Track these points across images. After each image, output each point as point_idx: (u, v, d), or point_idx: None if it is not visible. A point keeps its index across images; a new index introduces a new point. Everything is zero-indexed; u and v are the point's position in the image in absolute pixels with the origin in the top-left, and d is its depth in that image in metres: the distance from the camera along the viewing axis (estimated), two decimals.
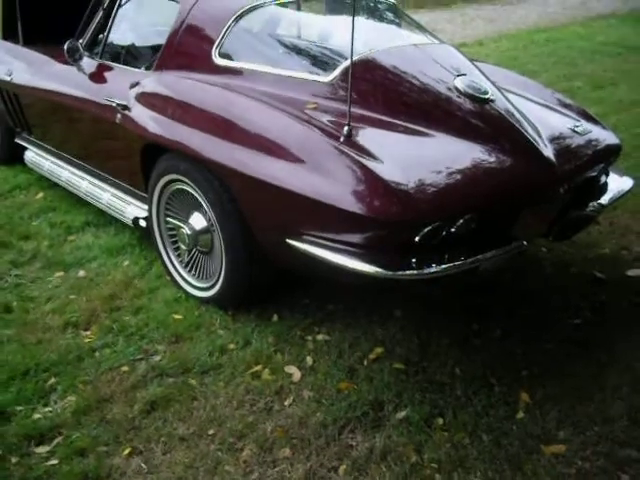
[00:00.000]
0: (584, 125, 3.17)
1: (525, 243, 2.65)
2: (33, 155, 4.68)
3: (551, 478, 2.21)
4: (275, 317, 3.09)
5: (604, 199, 3.08)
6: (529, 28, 12.60)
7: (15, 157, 5.03)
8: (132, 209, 3.65)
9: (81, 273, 3.58)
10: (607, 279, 3.41)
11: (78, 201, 4.34)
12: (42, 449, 2.36)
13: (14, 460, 2.30)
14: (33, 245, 3.90)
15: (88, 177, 4.08)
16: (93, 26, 4.03)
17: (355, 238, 2.46)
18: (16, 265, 3.70)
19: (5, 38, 5.29)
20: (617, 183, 3.24)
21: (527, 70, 7.77)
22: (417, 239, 2.39)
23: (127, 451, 2.33)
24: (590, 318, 3.08)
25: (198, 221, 3.14)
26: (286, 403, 2.56)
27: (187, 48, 3.40)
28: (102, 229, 4.07)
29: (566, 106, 3.48)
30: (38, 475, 2.24)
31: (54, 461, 2.30)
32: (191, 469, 2.26)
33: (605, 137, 3.19)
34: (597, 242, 3.83)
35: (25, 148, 4.82)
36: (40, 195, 4.62)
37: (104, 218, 4.12)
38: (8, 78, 4.56)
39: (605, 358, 2.81)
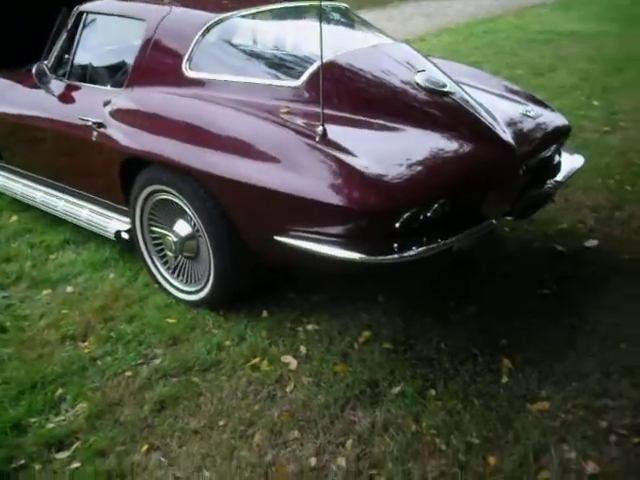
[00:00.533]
0: (535, 109, 3.42)
1: (494, 222, 2.88)
2: (3, 179, 4.73)
3: (539, 431, 2.43)
4: (265, 313, 3.25)
5: (560, 177, 3.35)
6: (467, 21, 12.96)
7: None
8: (113, 223, 3.76)
9: (69, 289, 3.67)
10: (567, 252, 3.66)
11: (54, 221, 4.41)
12: (62, 454, 2.48)
13: (37, 467, 2.42)
14: (16, 266, 3.97)
15: (64, 196, 4.16)
16: (58, 47, 4.13)
17: (340, 229, 2.65)
18: (2, 287, 3.76)
19: None
20: (569, 161, 3.50)
21: (470, 62, 8.02)
22: (397, 225, 2.59)
23: (145, 448, 2.47)
24: (556, 288, 3.33)
25: (183, 228, 3.28)
26: (288, 389, 2.74)
27: (157, 64, 3.54)
28: (82, 245, 4.16)
29: (515, 92, 3.74)
30: (64, 478, 2.36)
31: (76, 464, 2.42)
32: (208, 457, 2.41)
33: (555, 119, 3.45)
34: (555, 218, 4.09)
35: None
36: (14, 218, 4.67)
37: (82, 235, 4.21)
38: None
39: (574, 322, 3.06)
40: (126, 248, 3.88)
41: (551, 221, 4.06)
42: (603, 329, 3.00)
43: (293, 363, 2.89)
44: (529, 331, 3.01)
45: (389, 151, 2.82)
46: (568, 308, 3.16)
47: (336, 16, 4.02)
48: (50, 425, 2.63)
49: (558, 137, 3.38)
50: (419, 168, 2.74)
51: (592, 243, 3.77)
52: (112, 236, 3.75)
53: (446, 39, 11.07)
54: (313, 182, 2.68)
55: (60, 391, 2.82)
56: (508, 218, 3.26)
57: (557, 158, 3.40)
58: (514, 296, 3.28)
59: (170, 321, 3.25)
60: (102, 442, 2.50)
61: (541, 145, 3.23)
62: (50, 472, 2.40)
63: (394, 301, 3.29)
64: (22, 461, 2.44)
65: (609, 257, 3.64)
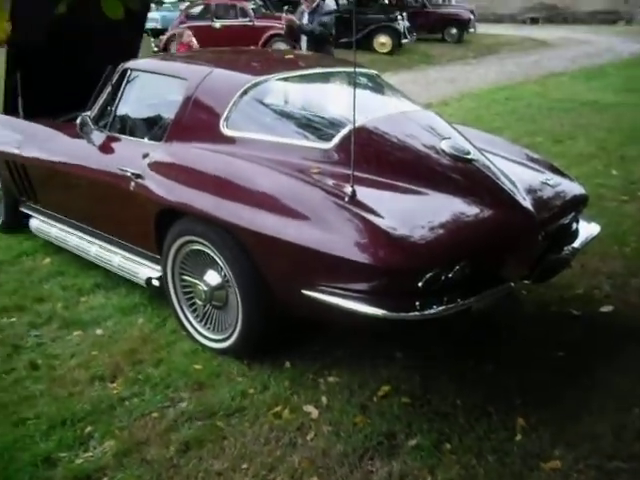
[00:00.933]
0: (554, 178, 3.58)
1: (512, 284, 3.01)
2: (39, 223, 4.93)
3: None
4: (287, 364, 3.37)
5: (577, 243, 3.47)
6: (489, 87, 13.31)
7: (17, 225, 5.29)
8: (144, 270, 3.92)
9: (99, 331, 3.82)
10: (583, 316, 3.76)
11: (85, 265, 4.59)
12: None
13: None
14: (48, 307, 4.14)
15: (97, 241, 4.34)
16: (102, 101, 4.37)
17: (364, 286, 2.79)
18: (34, 326, 3.92)
19: (5, 112, 5.63)
20: (586, 229, 3.64)
21: (492, 127, 8.27)
22: (420, 285, 2.73)
23: None
24: (572, 351, 3.41)
25: (213, 278, 3.43)
26: (308, 437, 2.84)
27: (196, 121, 3.75)
28: (112, 290, 4.32)
29: (534, 161, 3.90)
30: None
31: None
32: None
33: (573, 188, 3.60)
34: (571, 283, 4.20)
35: (29, 216, 5.07)
36: (47, 260, 4.86)
37: (112, 280, 4.38)
38: (17, 151, 4.85)
39: (589, 384, 3.14)
40: (155, 295, 4.03)
41: (568, 286, 4.16)
42: (617, 393, 3.08)
43: (314, 413, 2.99)
44: (544, 392, 3.09)
45: (414, 213, 2.97)
46: (583, 371, 3.25)
47: (367, 82, 4.24)
48: (79, 460, 2.74)
49: (576, 206, 3.53)
50: (442, 231, 2.89)
51: (608, 309, 3.87)
52: (143, 283, 3.91)
53: (468, 104, 11.35)
54: (340, 240, 2.83)
55: (89, 428, 2.94)
56: (526, 282, 3.39)
57: (575, 225, 3.54)
58: (530, 357, 3.38)
59: (196, 367, 3.37)
60: (129, 479, 2.61)
61: (559, 213, 3.37)
62: None
63: (413, 358, 3.39)
64: None
65: (624, 323, 3.74)
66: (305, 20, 7.25)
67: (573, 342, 3.50)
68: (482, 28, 25.21)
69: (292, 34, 7.57)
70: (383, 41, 18.24)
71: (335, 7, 7.74)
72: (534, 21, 33.53)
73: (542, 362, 3.33)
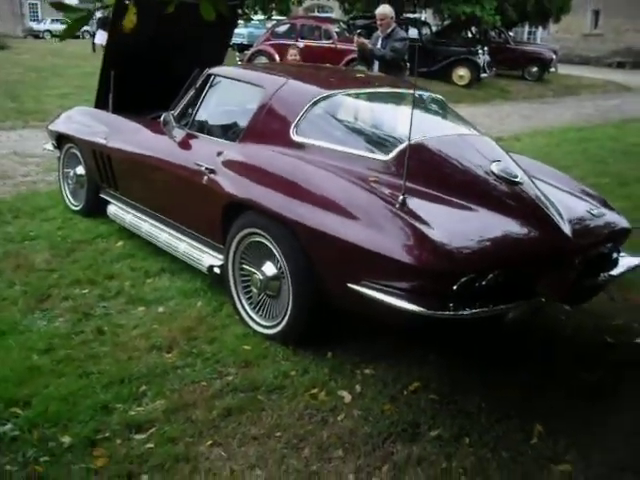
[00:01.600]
0: (598, 209, 3.76)
1: (543, 300, 3.21)
2: (116, 209, 5.36)
3: None
4: (329, 354, 3.63)
5: (614, 272, 3.63)
6: (563, 126, 13.33)
7: (96, 210, 5.74)
8: (207, 258, 4.26)
9: (161, 309, 4.17)
10: (617, 344, 3.91)
11: (154, 250, 4.97)
12: (139, 436, 2.91)
13: (118, 441, 2.86)
14: (117, 284, 4.52)
15: (167, 229, 4.72)
16: (185, 101, 4.77)
17: (404, 284, 3.05)
18: (103, 299, 4.31)
19: (96, 107, 6.13)
20: (627, 260, 3.79)
21: (559, 165, 8.25)
22: (455, 287, 2.96)
23: (209, 442, 2.88)
24: (599, 374, 3.56)
25: (269, 269, 3.73)
26: (339, 418, 3.10)
27: (269, 125, 4.08)
28: (177, 275, 4.67)
29: (587, 194, 4.07)
30: (139, 454, 2.79)
31: (150, 445, 2.85)
32: (262, 459, 2.79)
33: (616, 220, 3.77)
34: (611, 314, 4.33)
35: (108, 202, 5.51)
36: (120, 243, 5.28)
37: (178, 265, 4.73)
38: (103, 141, 5.29)
39: (611, 405, 3.30)
40: (215, 282, 4.36)
41: (607, 316, 4.30)
42: (637, 414, 3.23)
43: (347, 397, 3.25)
44: (566, 406, 3.26)
45: (456, 224, 3.22)
46: (606, 392, 3.40)
47: (432, 105, 4.54)
48: (132, 412, 3.07)
49: (616, 236, 3.70)
50: (480, 241, 3.13)
51: None
52: (205, 269, 4.25)
53: (540, 141, 11.43)
54: (387, 240, 3.10)
55: (143, 387, 3.27)
56: (562, 304, 3.57)
57: (614, 255, 3.70)
58: (558, 374, 3.54)
59: (245, 347, 3.67)
60: (174, 432, 2.93)
61: (598, 240, 3.56)
62: (128, 447, 2.82)
63: (446, 361, 3.61)
64: (107, 434, 2.89)
65: None
66: (379, 45, 7.41)
67: (601, 365, 3.65)
68: (566, 69, 25.13)
69: (364, 57, 7.74)
70: (462, 73, 18.45)
71: (406, 35, 7.88)
72: (621, 65, 33.11)
73: (568, 379, 3.49)
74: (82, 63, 19.12)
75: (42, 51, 23.12)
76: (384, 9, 7.52)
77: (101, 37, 24.40)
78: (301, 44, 17.80)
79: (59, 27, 41.75)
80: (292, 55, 8.42)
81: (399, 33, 7.43)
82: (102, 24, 24.64)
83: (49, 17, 44.54)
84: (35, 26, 43.36)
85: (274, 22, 21.99)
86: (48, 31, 40.85)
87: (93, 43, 24.75)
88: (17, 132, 10.00)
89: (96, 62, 19.11)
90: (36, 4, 49.61)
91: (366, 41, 7.49)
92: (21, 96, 12.81)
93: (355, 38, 7.69)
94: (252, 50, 18.95)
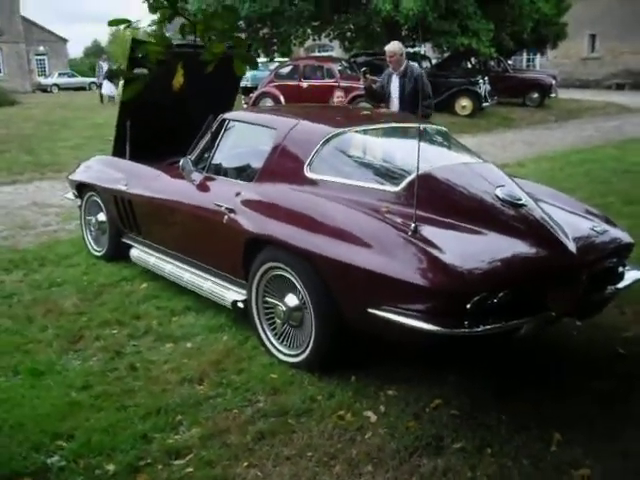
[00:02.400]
0: (602, 226, 3.95)
1: (553, 314, 3.39)
2: (139, 252, 5.59)
3: None
4: (353, 378, 3.80)
5: (620, 285, 3.81)
6: (566, 150, 13.55)
7: (118, 255, 5.97)
8: (231, 294, 4.46)
9: (189, 344, 4.36)
10: (627, 354, 4.06)
11: (178, 290, 5.18)
12: (179, 461, 3.09)
13: (160, 467, 3.04)
14: (144, 323, 4.72)
15: (190, 269, 4.93)
16: (202, 146, 5.02)
17: (421, 305, 3.24)
18: (133, 338, 4.50)
19: (113, 155, 6.41)
20: (632, 273, 3.97)
21: (563, 188, 8.43)
22: (468, 306, 3.15)
23: (245, 464, 3.05)
24: (612, 382, 3.72)
25: (292, 300, 3.93)
26: (366, 436, 3.26)
27: (283, 164, 4.32)
28: (201, 312, 4.87)
29: (589, 213, 4.27)
30: (180, 477, 2.97)
31: (190, 469, 3.02)
32: (296, 477, 2.96)
33: (620, 236, 3.96)
34: (622, 327, 4.49)
35: (130, 246, 5.74)
36: (144, 285, 5.49)
37: (202, 303, 4.93)
38: (124, 188, 5.54)
39: (625, 412, 3.45)
40: (239, 317, 4.56)
41: (618, 329, 4.46)
42: None
43: (373, 417, 3.42)
44: (582, 415, 3.42)
45: (467, 247, 3.43)
46: (621, 401, 3.55)
47: (436, 137, 4.77)
48: (170, 440, 3.25)
49: (621, 250, 3.89)
50: (490, 262, 3.34)
51: None
52: (229, 305, 4.44)
53: (544, 165, 11.64)
54: (403, 266, 3.31)
55: (179, 417, 3.45)
56: (571, 318, 3.75)
57: (620, 269, 3.88)
58: (572, 385, 3.70)
59: (273, 376, 3.85)
60: (211, 456, 3.10)
61: (603, 256, 3.74)
62: (169, 472, 3.00)
63: (465, 381, 3.78)
64: (149, 460, 3.08)
65: None
66: (394, 84, 7.13)
67: (614, 375, 3.80)
68: (566, 93, 25.50)
69: (373, 96, 7.56)
70: (464, 104, 18.80)
71: (421, 70, 7.56)
72: (620, 87, 33.51)
73: (583, 389, 3.65)
74: (91, 115, 19.65)
75: (51, 105, 23.74)
76: (393, 46, 7.26)
77: (108, 88, 25.13)
78: (305, 84, 18.26)
79: (67, 81, 42.77)
80: (338, 97, 8.48)
81: (415, 70, 7.12)
82: (109, 76, 25.39)
83: (56, 71, 45.63)
84: (43, 81, 44.37)
85: (277, 64, 22.49)
86: (56, 85, 41.78)
87: (101, 94, 25.40)
88: (34, 184, 10.31)
89: (104, 113, 19.66)
90: (43, 59, 50.86)
91: (374, 79, 7.45)
92: (35, 149, 13.19)
93: (362, 79, 7.59)
94: (257, 93, 19.37)
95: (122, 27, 1.98)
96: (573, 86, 32.93)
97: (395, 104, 7.14)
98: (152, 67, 1.86)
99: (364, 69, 7.62)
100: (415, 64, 7.24)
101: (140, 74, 1.88)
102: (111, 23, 1.89)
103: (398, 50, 7.16)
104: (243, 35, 19.00)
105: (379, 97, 7.39)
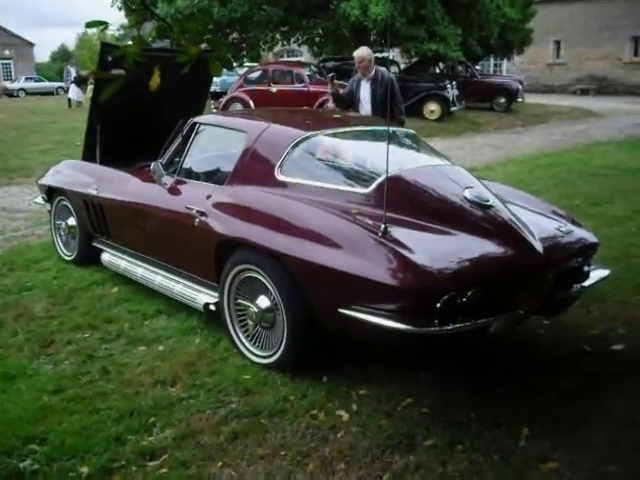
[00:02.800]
0: (568, 226, 4.04)
1: (521, 312, 3.46)
2: (110, 256, 5.57)
3: None
4: (325, 378, 3.84)
5: (586, 283, 3.90)
6: (534, 153, 13.76)
7: (88, 259, 5.94)
8: (202, 296, 4.47)
9: (161, 347, 4.36)
10: (593, 352, 4.16)
11: (149, 293, 5.17)
12: (153, 463, 3.10)
13: (134, 468, 3.05)
14: (116, 327, 4.71)
15: (161, 272, 4.93)
16: (172, 149, 5.03)
17: (391, 305, 3.29)
18: (105, 342, 4.49)
19: (83, 159, 6.38)
20: (597, 272, 4.07)
21: (532, 190, 8.53)
22: (438, 305, 3.21)
23: (220, 464, 3.07)
24: (578, 378, 3.81)
25: (264, 302, 3.95)
26: (339, 435, 3.30)
27: (254, 167, 4.35)
28: (173, 315, 4.87)
29: (556, 213, 4.36)
30: (154, 478, 2.98)
31: (165, 470, 3.04)
32: (270, 476, 2.99)
33: (585, 236, 4.06)
34: (588, 326, 4.59)
35: (100, 251, 5.72)
36: (115, 289, 5.47)
37: (173, 306, 4.93)
38: (95, 192, 5.52)
39: (591, 406, 3.54)
40: (210, 320, 4.57)
41: (584, 327, 4.56)
42: (617, 413, 3.46)
43: (345, 416, 3.46)
44: (550, 410, 3.49)
45: (436, 247, 3.50)
46: (586, 395, 3.64)
47: (405, 140, 4.83)
48: (144, 442, 3.26)
49: (586, 250, 3.98)
50: (458, 262, 3.40)
51: (619, 347, 4.25)
52: (201, 307, 4.45)
53: (512, 169, 11.81)
54: (374, 266, 3.36)
55: (152, 419, 3.46)
56: (539, 316, 3.83)
57: (585, 268, 3.98)
58: (539, 381, 3.78)
59: (245, 377, 3.87)
60: (186, 457, 3.12)
61: (569, 255, 3.84)
62: (143, 473, 3.01)
63: (435, 378, 3.84)
64: (122, 462, 3.08)
65: (633, 358, 4.11)
66: (364, 89, 7.02)
67: (580, 371, 3.89)
68: (532, 98, 25.88)
69: (340, 100, 7.34)
70: (432, 108, 18.98)
71: (389, 74, 7.02)
72: (584, 92, 34.15)
73: (550, 386, 3.73)
74: (59, 119, 19.45)
75: (18, 109, 23.45)
76: (362, 51, 7.17)
77: (74, 93, 24.96)
78: (275, 89, 18.29)
79: (34, 85, 42.25)
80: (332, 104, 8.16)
81: (385, 75, 7.06)
82: (76, 81, 25.20)
83: (22, 75, 45.05)
84: (9, 85, 43.80)
85: (246, 69, 22.50)
86: (22, 89, 41.27)
87: (69, 99, 25.18)
88: (3, 189, 10.19)
89: (72, 117, 19.46)
90: (9, 64, 50.20)
91: (342, 83, 7.44)
92: (4, 154, 13.03)
93: (329, 85, 7.45)
94: (226, 97, 19.35)
95: (90, 31, 2.00)
96: (539, 91, 33.45)
97: (367, 109, 7.06)
98: (129, 68, 1.89)
99: (331, 75, 7.55)
100: (383, 69, 7.21)
101: (117, 75, 1.90)
102: (88, 25, 1.91)
103: (367, 55, 7.09)
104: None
105: (347, 103, 7.28)
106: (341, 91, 7.38)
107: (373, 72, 7.06)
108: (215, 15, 18.83)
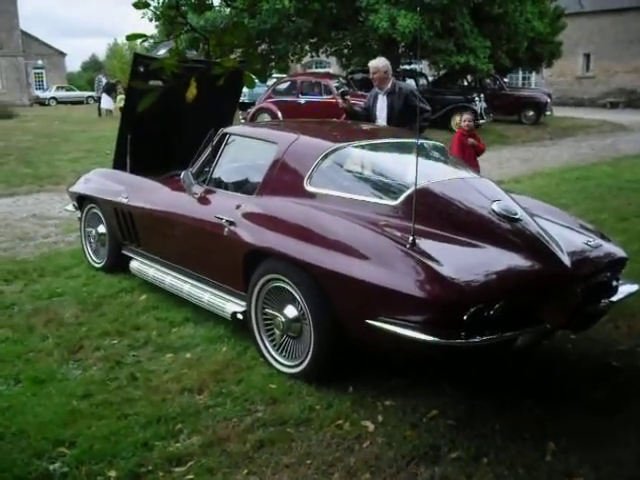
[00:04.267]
0: (596, 240, 4.02)
1: (548, 326, 3.45)
2: (139, 264, 5.64)
3: None
4: (351, 388, 3.86)
5: (614, 298, 3.88)
6: (562, 167, 13.66)
7: (117, 266, 6.03)
8: (230, 305, 4.51)
9: (188, 355, 4.40)
10: (621, 367, 4.12)
11: (177, 301, 5.23)
12: (179, 469, 3.14)
13: (161, 474, 3.09)
14: (144, 334, 4.77)
15: (190, 281, 4.98)
16: (203, 159, 5.10)
17: (418, 317, 3.30)
18: (133, 348, 4.55)
19: (114, 168, 6.49)
20: (626, 287, 4.04)
21: (559, 204, 8.53)
22: (465, 318, 3.21)
23: (245, 472, 3.10)
24: (606, 393, 3.78)
25: (291, 311, 3.99)
26: (364, 445, 3.31)
27: (283, 178, 4.39)
28: (200, 323, 4.92)
29: (584, 228, 4.35)
30: None
31: (191, 476, 3.08)
32: None
33: (613, 251, 4.04)
34: (616, 341, 4.56)
35: (129, 258, 5.79)
36: (143, 297, 5.53)
37: (201, 315, 4.98)
38: (125, 200, 5.60)
39: (620, 422, 3.51)
40: (238, 328, 4.61)
41: (612, 342, 4.53)
42: None
43: (371, 427, 3.47)
44: (576, 425, 3.47)
45: (463, 260, 3.50)
46: (615, 411, 3.61)
47: (433, 152, 4.84)
48: (171, 448, 3.30)
49: (614, 265, 3.96)
50: (485, 275, 3.41)
51: None
52: (228, 316, 4.49)
53: (539, 182, 11.73)
54: (401, 278, 3.38)
55: (179, 426, 3.50)
56: (566, 330, 3.82)
57: (614, 283, 3.95)
58: (567, 396, 3.76)
59: (272, 386, 3.90)
60: (212, 464, 3.15)
61: (597, 269, 3.82)
62: (170, 478, 3.04)
63: (461, 391, 3.83)
64: (150, 467, 3.12)
65: None
66: (381, 103, 6.62)
67: (608, 387, 3.86)
68: (561, 111, 25.68)
69: (356, 118, 6.84)
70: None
71: (410, 86, 6.78)
72: (614, 105, 33.81)
73: (577, 400, 3.71)
74: (89, 128, 19.74)
75: (49, 118, 23.83)
76: (377, 61, 6.73)
77: (106, 102, 25.28)
78: (303, 100, 18.38)
79: (65, 94, 42.92)
80: (465, 122, 7.87)
81: (404, 87, 6.68)
82: (107, 90, 25.54)
83: (54, 85, 45.79)
84: (41, 94, 44.54)
85: (274, 80, 22.64)
86: (53, 98, 41.92)
87: (99, 108, 25.54)
88: (33, 196, 10.37)
89: (102, 126, 19.75)
90: (41, 73, 51.05)
91: (351, 100, 6.97)
92: (34, 162, 13.26)
93: (341, 101, 6.95)
94: (255, 108, 19.50)
95: (121, 41, 2.05)
96: (567, 104, 33.18)
97: (381, 119, 6.65)
98: (166, 79, 1.94)
99: (342, 90, 7.21)
100: (405, 82, 6.94)
101: (154, 86, 1.95)
102: (129, 38, 1.97)
103: (382, 67, 6.62)
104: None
105: (362, 119, 6.78)
106: (357, 108, 7.00)
107: (390, 85, 6.61)
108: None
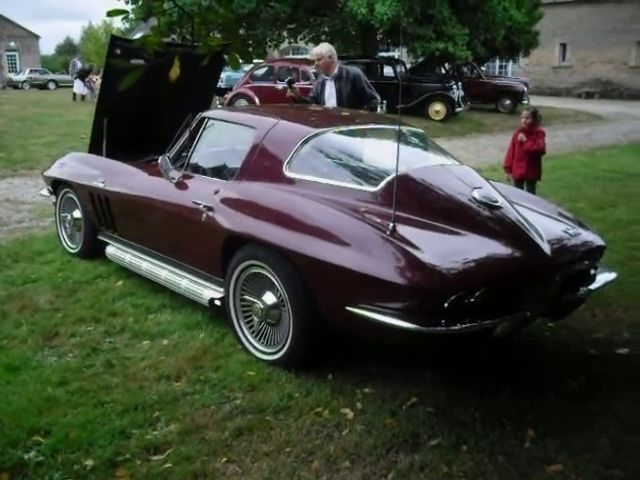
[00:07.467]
0: (575, 229, 4.03)
1: (528, 314, 3.45)
2: (115, 249, 5.56)
3: None
4: (330, 376, 3.84)
5: (592, 286, 3.89)
6: None
7: (93, 252, 5.94)
8: (208, 291, 4.46)
9: (165, 342, 4.35)
10: (598, 355, 4.15)
11: (153, 287, 5.17)
12: (158, 457, 3.10)
13: (138, 462, 3.04)
14: (121, 320, 4.70)
15: (167, 267, 4.92)
16: (180, 144, 5.02)
17: (398, 304, 3.28)
18: (109, 335, 4.49)
19: (90, 152, 6.38)
20: (604, 275, 4.06)
21: (536, 193, 8.70)
22: (446, 305, 3.20)
23: (224, 460, 3.06)
24: (584, 382, 3.80)
25: (270, 298, 3.95)
26: (344, 433, 3.30)
27: (262, 163, 4.34)
28: (177, 310, 4.87)
29: (563, 216, 4.36)
30: (159, 472, 2.97)
31: (169, 464, 3.03)
32: (275, 473, 2.98)
33: (592, 239, 4.05)
34: (593, 329, 4.59)
35: (105, 244, 5.71)
36: (120, 283, 5.46)
37: (178, 301, 4.93)
38: (101, 185, 5.51)
39: (597, 409, 3.53)
40: (215, 315, 4.56)
41: (589, 331, 4.55)
42: (622, 416, 3.45)
43: (350, 414, 3.45)
44: (555, 412, 3.49)
45: (444, 247, 3.49)
46: (592, 398, 3.63)
47: (413, 139, 4.82)
48: (148, 436, 3.25)
49: (593, 253, 3.98)
50: (466, 262, 3.39)
51: (623, 351, 4.24)
52: (206, 303, 4.45)
53: None
54: (382, 264, 3.35)
55: (157, 413, 3.45)
56: (545, 318, 3.83)
57: (592, 271, 3.97)
58: (545, 384, 3.77)
59: (250, 373, 3.86)
60: (190, 452, 3.11)
61: (575, 257, 3.83)
62: (148, 467, 3.00)
63: (440, 378, 3.83)
64: (127, 456, 3.08)
65: (638, 362, 4.10)
66: (332, 91, 6.37)
67: (586, 375, 3.88)
68: (537, 101, 25.78)
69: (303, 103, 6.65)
70: (438, 109, 18.98)
71: (356, 70, 6.38)
72: (589, 96, 34.12)
73: (555, 388, 3.72)
74: (63, 112, 19.44)
75: (23, 101, 23.39)
76: (320, 48, 6.53)
77: (79, 87, 25.01)
78: (280, 86, 18.25)
79: (38, 77, 42.12)
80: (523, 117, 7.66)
81: (350, 71, 6.41)
82: (80, 76, 25.24)
83: (28, 68, 44.98)
84: (14, 77, 43.70)
85: (251, 65, 22.46)
86: (27, 81, 41.17)
87: (74, 92, 25.21)
88: (7, 181, 10.18)
89: (77, 110, 19.44)
90: (14, 55, 50.18)
91: (299, 88, 6.82)
92: (8, 146, 13.02)
93: (288, 89, 6.68)
94: (232, 93, 19.34)
95: (96, 24, 1.99)
96: (544, 94, 33.41)
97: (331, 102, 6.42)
98: (149, 58, 1.89)
99: (289, 78, 7.04)
100: (351, 67, 6.57)
101: (136, 65, 1.90)
102: (110, 14, 1.91)
103: (326, 52, 6.40)
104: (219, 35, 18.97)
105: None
106: (305, 96, 6.83)
107: (336, 70, 6.39)
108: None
